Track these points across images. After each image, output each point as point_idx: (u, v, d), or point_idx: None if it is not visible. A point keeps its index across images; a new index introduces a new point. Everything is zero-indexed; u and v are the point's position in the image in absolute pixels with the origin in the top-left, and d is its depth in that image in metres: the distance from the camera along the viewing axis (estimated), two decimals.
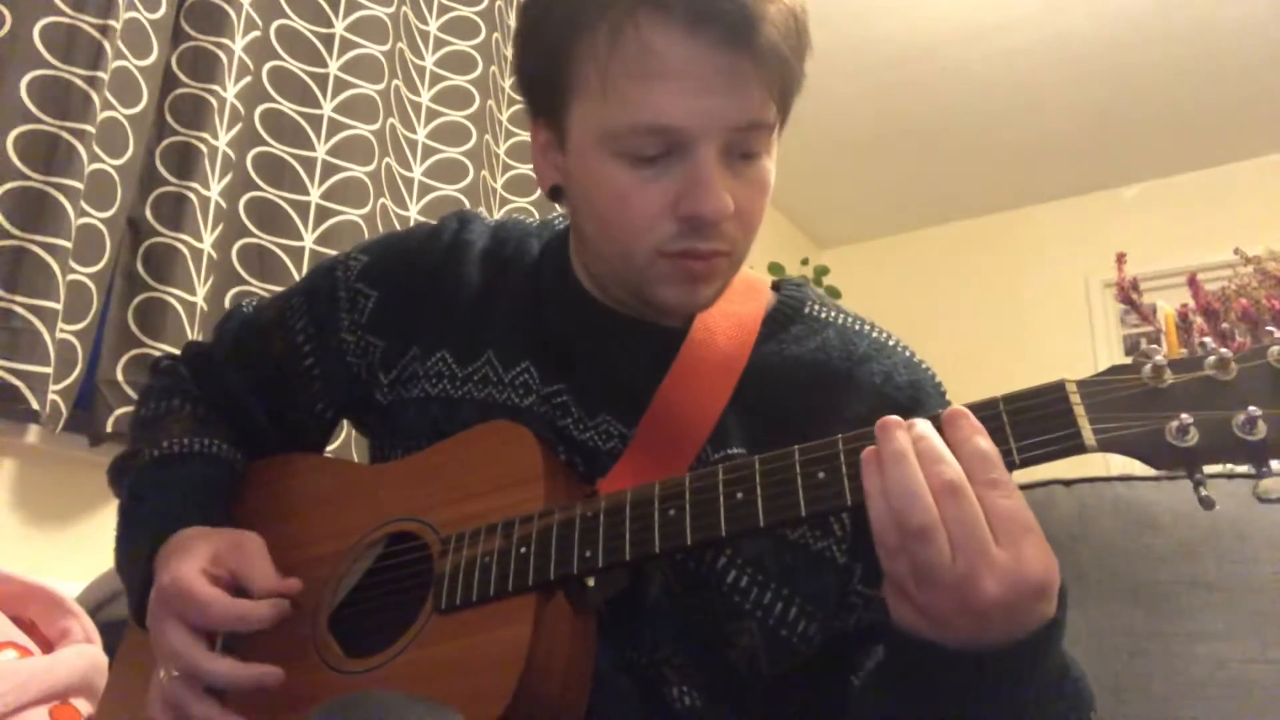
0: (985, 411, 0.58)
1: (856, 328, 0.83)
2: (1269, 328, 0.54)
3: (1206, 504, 0.55)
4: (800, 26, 0.70)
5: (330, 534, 0.81)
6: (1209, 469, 0.56)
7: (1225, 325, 1.76)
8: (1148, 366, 0.56)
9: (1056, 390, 0.57)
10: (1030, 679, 0.57)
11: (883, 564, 0.57)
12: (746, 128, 0.69)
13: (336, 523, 0.81)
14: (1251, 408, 0.53)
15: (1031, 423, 0.57)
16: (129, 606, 0.82)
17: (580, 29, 0.70)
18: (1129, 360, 0.58)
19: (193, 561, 0.73)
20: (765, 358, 0.80)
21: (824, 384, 0.78)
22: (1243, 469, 1.04)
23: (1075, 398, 0.57)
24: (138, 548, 0.80)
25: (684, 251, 0.72)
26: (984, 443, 0.56)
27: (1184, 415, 0.54)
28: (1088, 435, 0.55)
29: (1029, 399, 0.58)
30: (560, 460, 0.77)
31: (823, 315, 0.84)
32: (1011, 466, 0.57)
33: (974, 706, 0.58)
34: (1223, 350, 0.55)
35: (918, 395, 0.79)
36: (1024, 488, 1.12)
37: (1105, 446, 0.55)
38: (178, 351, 0.94)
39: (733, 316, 0.81)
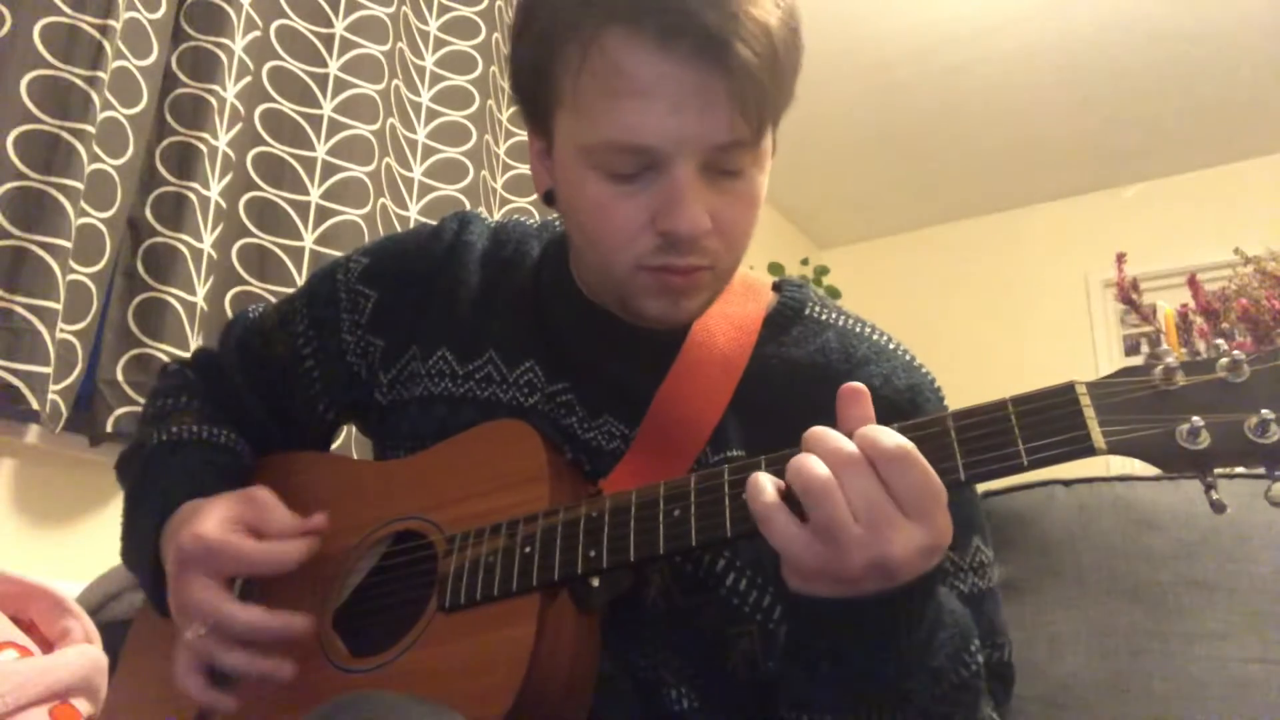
0: (994, 412, 0.58)
1: (857, 330, 0.83)
2: None
3: (1218, 507, 0.54)
4: (781, 44, 0.68)
5: (336, 531, 0.81)
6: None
7: (1225, 325, 1.76)
8: (1159, 368, 0.56)
9: (1066, 392, 0.57)
10: (921, 609, 0.60)
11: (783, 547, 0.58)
12: (722, 146, 0.68)
13: (342, 520, 0.81)
14: (1265, 410, 0.52)
15: (1040, 424, 0.57)
16: (142, 585, 0.83)
17: (555, 44, 0.70)
18: (1138, 361, 0.57)
19: (208, 520, 0.73)
20: (765, 359, 0.79)
21: (823, 386, 0.77)
22: (1242, 469, 1.04)
23: (1085, 399, 0.56)
24: (145, 525, 0.80)
25: (663, 266, 0.72)
26: (872, 426, 0.57)
27: (1195, 418, 0.53)
28: (1097, 438, 0.55)
29: (1038, 400, 0.57)
30: (565, 459, 0.77)
31: (823, 317, 0.84)
32: (1020, 468, 0.56)
33: (880, 650, 0.59)
34: (1235, 352, 0.54)
35: (916, 399, 0.79)
36: (1024, 488, 1.13)
37: (1115, 449, 0.55)
38: (178, 351, 0.95)
39: (733, 318, 0.81)
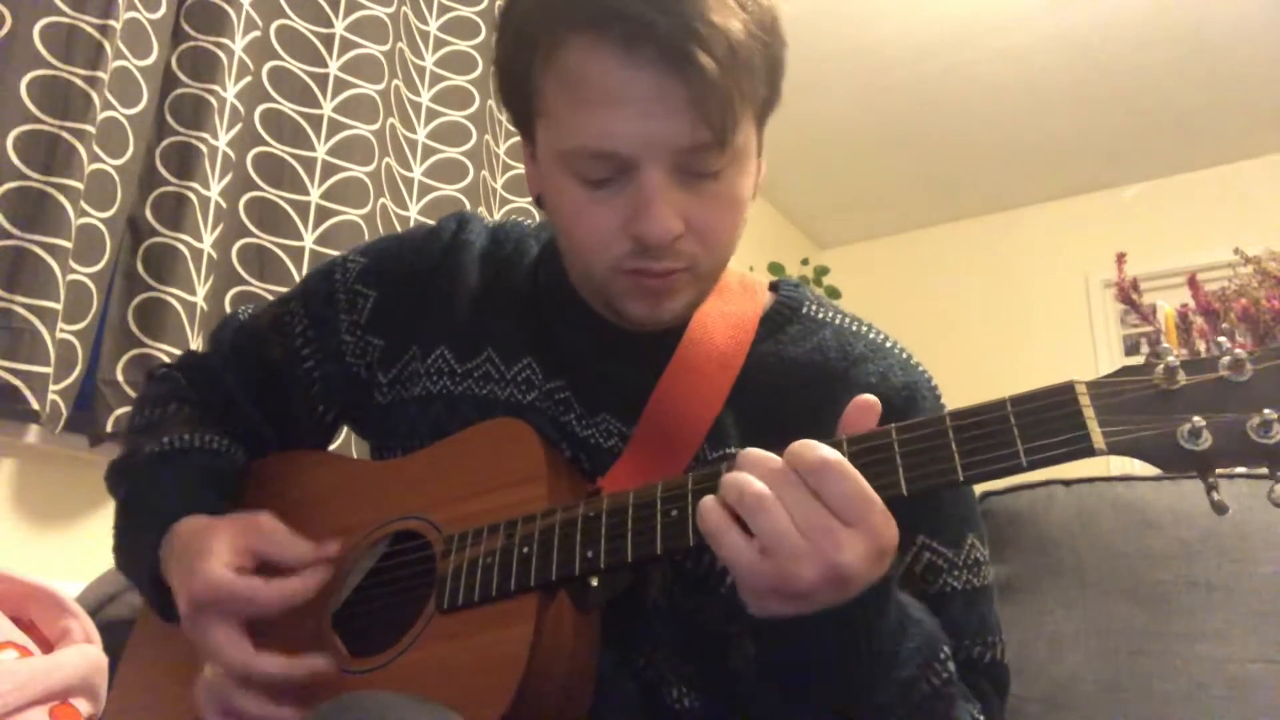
0: (992, 413, 0.58)
1: (853, 329, 0.83)
2: None
3: (1220, 509, 0.53)
4: (744, 48, 0.67)
5: (334, 532, 0.80)
6: None
7: (1225, 325, 1.76)
8: (1160, 367, 0.55)
9: (1066, 392, 0.56)
10: (880, 618, 0.60)
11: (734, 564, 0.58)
12: (691, 149, 0.68)
13: (341, 520, 0.81)
14: (1267, 410, 0.51)
15: (1040, 425, 0.56)
16: (143, 595, 0.82)
17: (525, 54, 0.71)
18: (1140, 360, 0.57)
19: (215, 559, 0.72)
20: (762, 357, 0.80)
21: (820, 384, 0.78)
22: (1242, 469, 1.04)
23: (1085, 399, 0.55)
24: (142, 540, 0.80)
25: (638, 270, 0.72)
26: (800, 442, 0.58)
27: (1196, 418, 0.52)
28: (1097, 438, 0.54)
29: (1037, 400, 0.57)
30: (564, 458, 0.77)
31: (820, 316, 0.84)
32: (1019, 469, 0.56)
33: (844, 664, 0.59)
34: (1238, 350, 0.53)
35: (913, 396, 0.79)
36: (1024, 488, 1.13)
37: (1115, 450, 0.54)
38: (178, 351, 0.95)
39: (730, 316, 0.81)
